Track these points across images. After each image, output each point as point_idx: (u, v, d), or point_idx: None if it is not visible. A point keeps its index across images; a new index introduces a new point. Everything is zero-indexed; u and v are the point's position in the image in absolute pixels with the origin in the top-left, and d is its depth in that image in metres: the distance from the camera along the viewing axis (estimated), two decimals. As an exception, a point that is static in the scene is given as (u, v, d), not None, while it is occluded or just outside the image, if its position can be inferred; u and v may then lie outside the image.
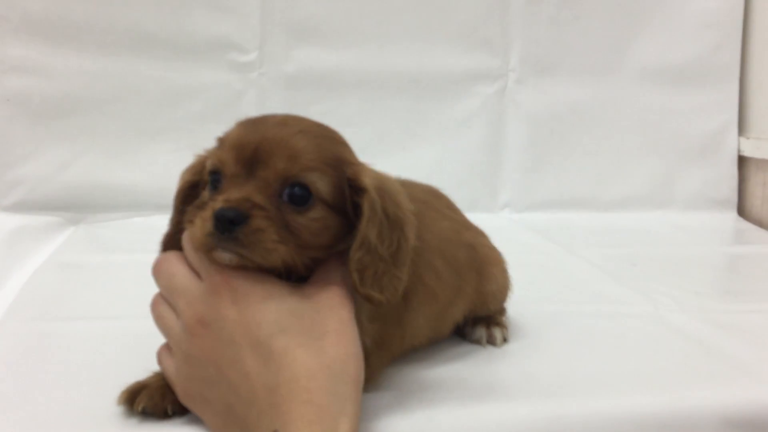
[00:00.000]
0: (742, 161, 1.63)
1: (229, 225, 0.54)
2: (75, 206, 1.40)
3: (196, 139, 1.42)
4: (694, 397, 0.69)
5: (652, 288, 1.05)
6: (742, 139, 1.62)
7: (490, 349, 0.79)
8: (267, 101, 1.48)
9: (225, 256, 0.56)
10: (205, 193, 0.60)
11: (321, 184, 0.58)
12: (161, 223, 1.37)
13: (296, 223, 0.57)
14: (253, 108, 1.47)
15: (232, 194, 0.56)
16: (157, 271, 0.62)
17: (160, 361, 0.62)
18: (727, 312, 0.95)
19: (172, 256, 0.62)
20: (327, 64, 1.50)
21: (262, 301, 0.56)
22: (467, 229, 0.78)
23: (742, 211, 1.62)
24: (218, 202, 0.56)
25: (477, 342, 0.80)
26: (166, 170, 1.46)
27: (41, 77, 1.39)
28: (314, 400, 0.51)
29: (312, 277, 0.60)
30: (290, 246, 0.56)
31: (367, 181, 0.59)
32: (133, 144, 1.44)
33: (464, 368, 0.74)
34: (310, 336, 0.55)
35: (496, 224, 1.21)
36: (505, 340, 0.81)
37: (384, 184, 0.61)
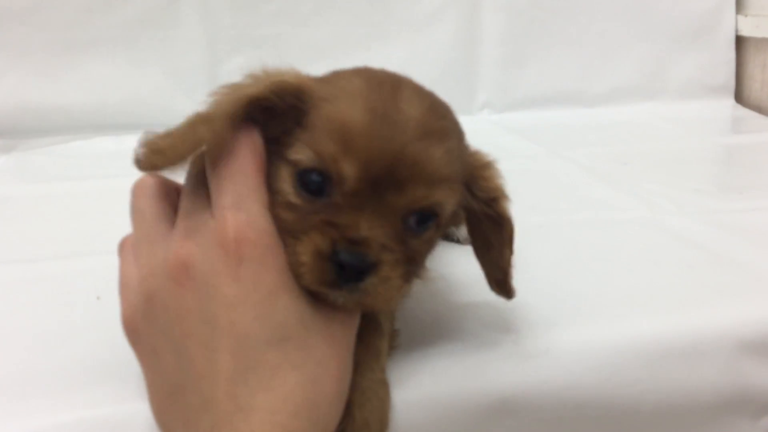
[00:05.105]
0: (739, 42, 1.48)
1: (357, 275, 0.43)
2: (4, 132, 1.25)
3: (134, 49, 1.30)
4: (702, 317, 0.60)
5: (647, 189, 0.94)
6: (740, 17, 1.47)
7: (464, 270, 0.68)
8: (210, 1, 1.31)
9: (339, 300, 0.44)
10: (288, 184, 0.45)
11: (449, 206, 0.47)
12: (105, 145, 1.27)
13: (414, 249, 0.46)
14: (194, 11, 1.30)
15: (357, 228, 0.43)
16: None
17: (122, 254, 0.49)
18: (731, 211, 0.85)
19: (149, 182, 0.48)
20: (277, -47, 1.32)
21: (273, 293, 0.42)
22: None
23: (739, 96, 1.49)
24: (339, 240, 0.42)
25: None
26: (103, 86, 1.32)
27: (-54, -15, 1.21)
28: None
29: None
30: (409, 280, 0.46)
31: (508, 205, 0.52)
32: (63, 58, 1.27)
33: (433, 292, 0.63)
34: (311, 357, 0.42)
35: (474, 127, 1.07)
36: None
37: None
